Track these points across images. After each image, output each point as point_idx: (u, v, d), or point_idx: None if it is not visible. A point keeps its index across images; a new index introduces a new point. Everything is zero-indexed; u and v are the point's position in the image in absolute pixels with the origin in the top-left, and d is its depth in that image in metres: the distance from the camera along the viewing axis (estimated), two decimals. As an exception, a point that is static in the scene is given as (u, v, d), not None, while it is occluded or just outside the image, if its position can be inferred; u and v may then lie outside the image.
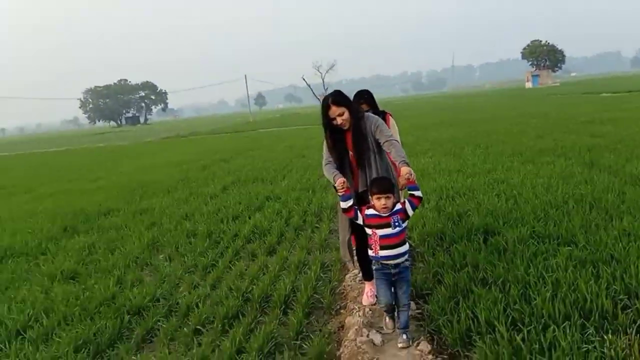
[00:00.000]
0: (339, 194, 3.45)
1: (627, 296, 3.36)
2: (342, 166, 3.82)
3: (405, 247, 3.35)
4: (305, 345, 3.66)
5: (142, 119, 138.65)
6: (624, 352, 2.73)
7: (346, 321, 3.99)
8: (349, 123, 3.75)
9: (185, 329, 4.14)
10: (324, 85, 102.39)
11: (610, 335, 2.91)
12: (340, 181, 3.46)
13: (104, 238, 7.34)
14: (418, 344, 3.36)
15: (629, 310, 3.17)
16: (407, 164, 3.41)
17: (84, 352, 3.86)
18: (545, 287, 3.56)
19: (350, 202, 3.43)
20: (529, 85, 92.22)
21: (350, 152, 3.84)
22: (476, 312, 3.39)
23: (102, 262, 6.12)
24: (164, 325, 4.23)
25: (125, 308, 4.58)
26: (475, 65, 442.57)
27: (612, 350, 2.74)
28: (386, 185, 3.31)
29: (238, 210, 8.26)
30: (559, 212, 5.55)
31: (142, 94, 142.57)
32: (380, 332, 3.58)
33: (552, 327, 3.01)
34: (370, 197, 3.41)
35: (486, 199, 6.64)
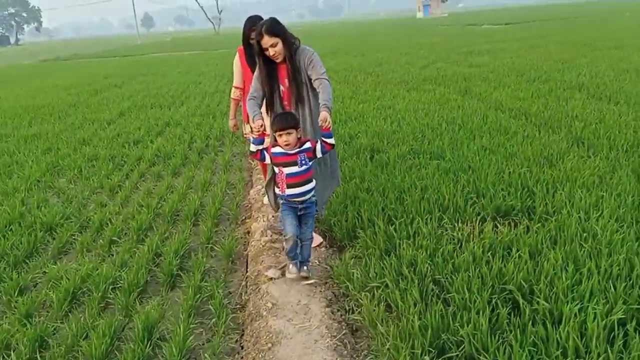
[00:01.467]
0: (253, 135, 3.28)
1: (475, 195, 4.22)
2: (272, 102, 3.62)
3: (312, 184, 3.30)
4: (216, 248, 4.18)
5: (12, 40, 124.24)
6: (468, 234, 3.56)
7: (252, 227, 4.56)
8: (282, 55, 3.48)
9: (100, 241, 4.47)
10: (217, 8, 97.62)
11: (460, 224, 3.74)
12: (258, 123, 3.25)
13: (-4, 163, 7.15)
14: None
15: (476, 205, 4.03)
16: (328, 109, 3.24)
17: (2, 264, 4.07)
18: (415, 191, 4.34)
19: (260, 147, 3.28)
20: (420, 15, 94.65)
21: (282, 88, 3.61)
22: (361, 212, 4.09)
23: (1, 185, 6.09)
24: (78, 239, 4.51)
25: (37, 226, 4.77)
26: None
27: (459, 233, 3.56)
28: (286, 121, 3.17)
29: (139, 135, 8.35)
30: (433, 133, 6.41)
31: (12, 10, 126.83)
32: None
33: (417, 220, 3.77)
34: (274, 134, 3.28)
35: (374, 122, 7.37)
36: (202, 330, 3.15)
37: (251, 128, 3.29)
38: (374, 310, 2.84)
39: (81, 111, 11.16)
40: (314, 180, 3.34)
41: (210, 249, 4.21)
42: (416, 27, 46.95)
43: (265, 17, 4.20)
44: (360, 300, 3.05)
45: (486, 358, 2.30)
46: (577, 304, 2.55)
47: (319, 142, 3.27)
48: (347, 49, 24.09)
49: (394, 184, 4.62)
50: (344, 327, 2.95)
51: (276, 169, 3.31)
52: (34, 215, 5.03)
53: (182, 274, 3.75)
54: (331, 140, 3.27)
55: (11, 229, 4.76)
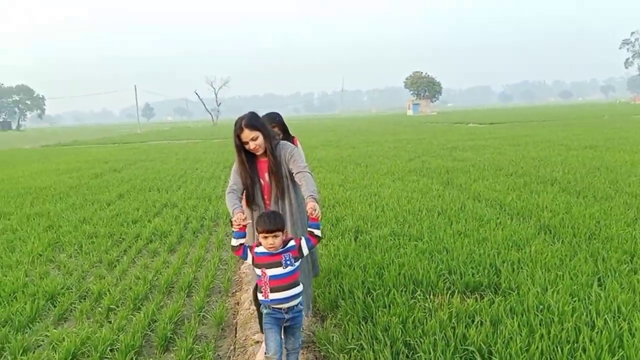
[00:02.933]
0: (234, 229, 3.13)
1: (448, 272, 4.63)
2: (252, 196, 3.61)
3: (299, 289, 3.08)
4: (208, 316, 4.50)
5: (14, 125, 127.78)
6: (437, 304, 3.93)
7: (241, 297, 4.89)
8: (263, 148, 3.51)
9: (99, 308, 4.76)
10: (216, 100, 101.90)
11: (431, 296, 4.12)
12: (239, 215, 3.15)
13: (0, 239, 7.50)
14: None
15: (447, 281, 4.43)
16: (315, 200, 3.16)
17: (6, 328, 4.34)
18: (393, 267, 4.75)
19: (242, 240, 3.12)
20: (410, 112, 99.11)
21: (262, 182, 3.62)
22: (343, 285, 4.47)
23: (4, 259, 6.41)
24: (78, 307, 4.80)
25: (39, 294, 5.07)
26: (363, 91, 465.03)
27: (430, 304, 3.94)
28: (273, 222, 2.98)
29: (137, 215, 8.77)
30: (413, 218, 6.91)
31: (16, 98, 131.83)
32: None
33: (393, 292, 4.15)
34: (257, 234, 3.10)
35: (360, 207, 7.89)
36: (192, 387, 3.42)
37: (231, 222, 3.18)
38: (350, 367, 3.16)
39: (82, 192, 11.64)
40: (301, 285, 3.12)
41: (202, 317, 4.51)
42: (405, 124, 49.16)
43: (265, 112, 4.40)
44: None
45: (444, 403, 2.62)
46: (526, 361, 2.90)
47: (302, 238, 3.10)
48: (339, 141, 25.24)
49: (374, 261, 5.03)
50: (323, 383, 3.25)
51: (258, 271, 3.07)
52: (37, 284, 5.34)
53: (175, 338, 4.04)
54: (318, 232, 3.08)
55: (15, 296, 5.05)
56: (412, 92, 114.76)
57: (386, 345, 3.33)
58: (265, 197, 3.62)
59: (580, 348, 3.08)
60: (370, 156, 16.74)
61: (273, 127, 4.23)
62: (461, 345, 3.24)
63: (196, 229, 7.78)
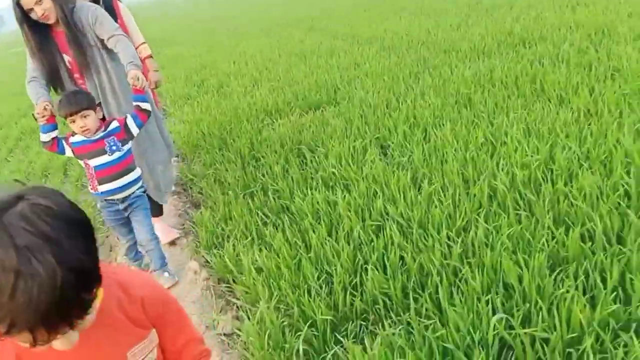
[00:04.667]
0: (39, 122, 2.58)
1: (295, 99, 5.23)
2: (58, 77, 2.90)
3: (135, 174, 2.66)
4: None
5: None
6: (281, 123, 4.57)
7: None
8: (54, 15, 2.72)
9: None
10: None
11: (279, 120, 4.73)
12: (41, 104, 2.59)
13: None
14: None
15: (294, 106, 5.05)
16: (137, 67, 2.65)
17: None
18: (248, 106, 5.27)
19: (52, 134, 2.58)
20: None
21: (67, 58, 2.89)
22: (203, 130, 4.94)
23: None
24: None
25: None
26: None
27: (276, 125, 4.56)
28: (74, 101, 2.44)
29: None
30: (272, 64, 7.36)
31: None
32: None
33: (244, 124, 4.71)
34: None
35: (224, 66, 8.18)
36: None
37: (34, 116, 2.62)
38: (208, 185, 3.77)
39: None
40: (137, 170, 2.70)
41: (83, 185, 4.89)
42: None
43: None
44: (200, 185, 3.95)
45: (275, 185, 3.31)
46: (340, 143, 3.62)
47: (128, 116, 2.62)
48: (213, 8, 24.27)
49: (232, 105, 5.52)
50: (187, 204, 3.86)
51: (82, 163, 2.62)
52: None
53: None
54: (146, 105, 2.62)
55: None
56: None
57: (236, 162, 3.93)
58: (76, 75, 2.94)
59: (382, 123, 3.85)
60: (240, 17, 16.52)
61: None
62: (295, 146, 3.91)
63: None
